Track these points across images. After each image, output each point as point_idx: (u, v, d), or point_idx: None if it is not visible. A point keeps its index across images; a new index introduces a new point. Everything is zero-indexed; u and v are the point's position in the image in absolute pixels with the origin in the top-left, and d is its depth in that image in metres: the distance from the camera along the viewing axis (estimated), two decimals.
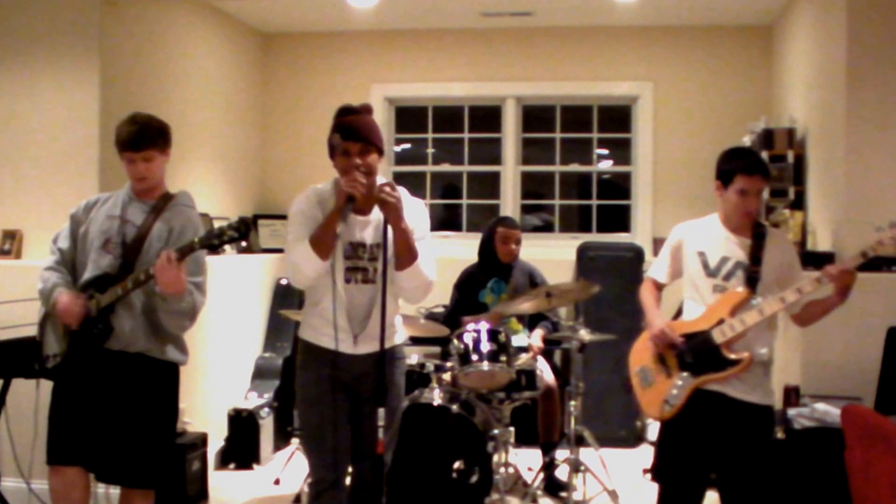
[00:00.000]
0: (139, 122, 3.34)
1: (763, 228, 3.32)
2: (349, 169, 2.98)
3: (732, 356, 3.20)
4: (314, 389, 3.14)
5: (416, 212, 3.17)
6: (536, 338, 4.93)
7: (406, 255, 3.02)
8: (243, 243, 6.23)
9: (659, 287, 3.55)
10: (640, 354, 3.47)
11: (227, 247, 5.78)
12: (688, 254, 3.38)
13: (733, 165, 3.27)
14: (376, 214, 3.08)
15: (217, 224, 5.77)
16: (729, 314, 3.21)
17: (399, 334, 3.30)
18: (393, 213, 2.95)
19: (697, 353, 3.25)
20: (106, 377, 3.29)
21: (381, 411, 2.87)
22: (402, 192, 3.05)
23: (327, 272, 3.02)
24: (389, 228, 2.98)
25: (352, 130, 3.02)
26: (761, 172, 3.24)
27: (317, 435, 3.15)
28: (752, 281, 3.23)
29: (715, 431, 3.25)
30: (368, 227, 3.11)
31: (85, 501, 3.36)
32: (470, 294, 5.15)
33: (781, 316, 3.34)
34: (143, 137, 3.31)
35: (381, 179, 3.07)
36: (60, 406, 3.35)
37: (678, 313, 3.86)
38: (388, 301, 2.97)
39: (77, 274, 3.40)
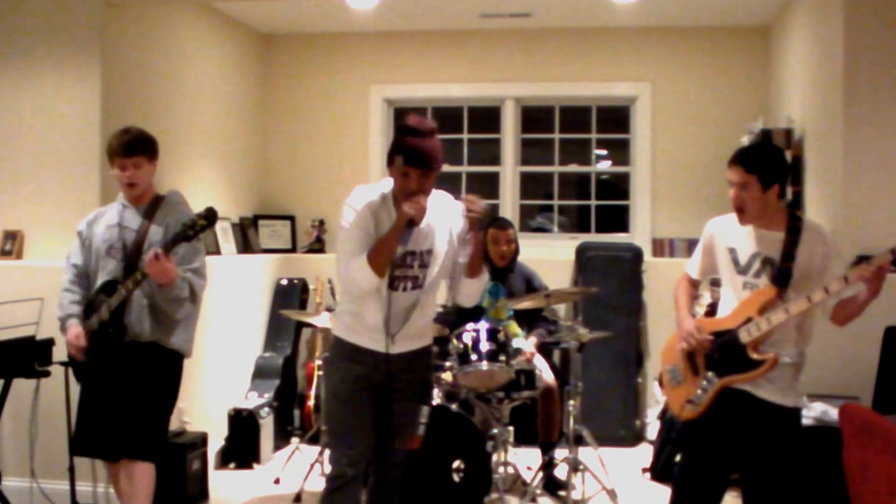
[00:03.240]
0: (130, 131, 3.69)
1: (799, 222, 3.16)
2: (408, 192, 3.01)
3: (757, 357, 3.09)
4: (345, 386, 3.19)
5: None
6: (530, 344, 4.92)
7: (481, 262, 3.19)
8: (226, 239, 6.24)
9: (693, 284, 3.48)
10: (671, 353, 3.39)
11: (226, 247, 5.86)
12: (719, 250, 3.29)
13: None
14: (427, 223, 3.12)
15: (218, 224, 5.82)
16: (757, 313, 3.09)
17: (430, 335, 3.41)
18: (476, 225, 3.09)
19: (724, 352, 3.16)
20: (122, 365, 3.62)
21: (424, 409, 3.00)
22: (442, 195, 3.19)
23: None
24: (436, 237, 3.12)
25: (415, 157, 3.00)
26: (739, 163, 3.16)
27: (343, 431, 3.21)
28: (782, 278, 3.09)
29: (740, 431, 3.17)
30: (419, 235, 3.12)
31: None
32: None
33: (820, 319, 3.20)
34: (134, 144, 3.64)
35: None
36: (85, 400, 3.73)
37: (713, 309, 3.81)
38: (430, 303, 3.18)
39: (92, 283, 3.75)
